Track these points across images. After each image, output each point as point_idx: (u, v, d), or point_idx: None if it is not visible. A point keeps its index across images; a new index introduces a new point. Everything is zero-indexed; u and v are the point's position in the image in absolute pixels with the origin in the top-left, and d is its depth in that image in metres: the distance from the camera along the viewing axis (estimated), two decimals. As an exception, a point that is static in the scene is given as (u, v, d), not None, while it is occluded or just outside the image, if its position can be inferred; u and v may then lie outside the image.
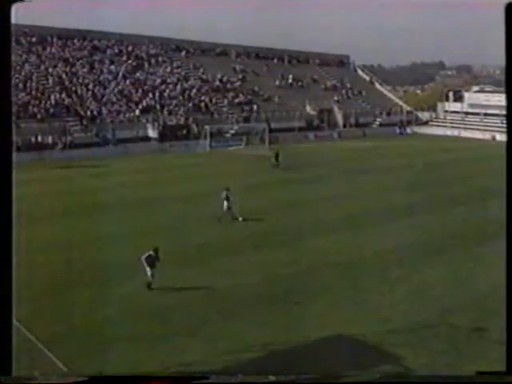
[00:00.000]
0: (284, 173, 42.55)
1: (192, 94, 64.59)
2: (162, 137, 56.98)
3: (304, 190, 36.47)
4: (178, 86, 64.85)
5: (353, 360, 14.72)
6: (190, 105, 62.75)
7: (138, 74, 64.21)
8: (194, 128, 59.27)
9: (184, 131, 58.89)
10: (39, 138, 51.03)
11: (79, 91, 58.82)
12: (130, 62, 65.80)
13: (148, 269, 19.11)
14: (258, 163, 46.97)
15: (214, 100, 65.65)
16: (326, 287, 19.87)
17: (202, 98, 65.04)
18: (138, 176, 40.55)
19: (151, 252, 19.24)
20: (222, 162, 48.87)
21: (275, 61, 79.46)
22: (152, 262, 19.16)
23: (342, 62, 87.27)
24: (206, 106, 64.02)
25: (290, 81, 76.20)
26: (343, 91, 78.64)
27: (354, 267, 22.07)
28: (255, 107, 67.11)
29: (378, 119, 76.30)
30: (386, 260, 22.94)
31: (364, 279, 20.89)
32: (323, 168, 45.17)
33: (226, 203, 28.20)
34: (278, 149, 47.37)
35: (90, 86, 59.83)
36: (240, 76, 72.45)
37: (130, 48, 68.18)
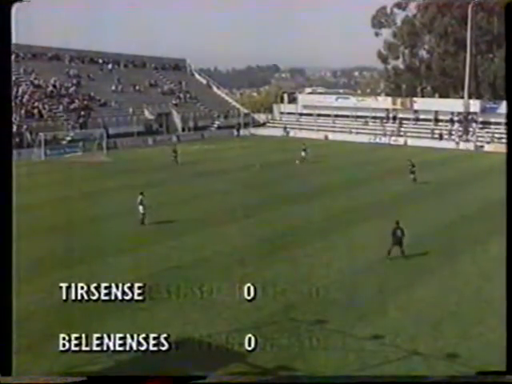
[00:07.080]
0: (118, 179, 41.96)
1: (24, 100, 61.97)
2: (-7, 146, 54.17)
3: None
4: (9, 92, 61.91)
5: (200, 361, 14.79)
6: (23, 111, 60.18)
7: (-38, 80, 60.65)
8: (28, 136, 56.98)
9: (17, 139, 56.38)
10: None
11: None
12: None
13: None
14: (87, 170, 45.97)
15: (47, 106, 63.47)
16: (171, 290, 19.74)
17: (35, 104, 62.59)
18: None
19: None
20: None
21: (110, 65, 78.12)
22: None
23: (178, 65, 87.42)
24: (40, 112, 61.71)
25: (127, 85, 75.35)
26: (181, 95, 78.93)
27: (195, 269, 22.15)
28: (92, 113, 65.69)
29: (216, 122, 77.37)
30: (227, 261, 23.24)
31: (207, 280, 20.99)
32: (163, 172, 45.08)
33: (140, 208, 28.77)
34: (176, 146, 51.86)
35: None
36: (74, 81, 70.49)
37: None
